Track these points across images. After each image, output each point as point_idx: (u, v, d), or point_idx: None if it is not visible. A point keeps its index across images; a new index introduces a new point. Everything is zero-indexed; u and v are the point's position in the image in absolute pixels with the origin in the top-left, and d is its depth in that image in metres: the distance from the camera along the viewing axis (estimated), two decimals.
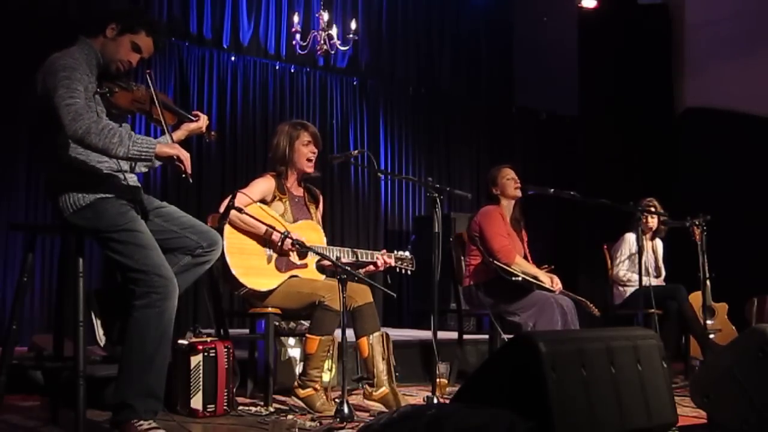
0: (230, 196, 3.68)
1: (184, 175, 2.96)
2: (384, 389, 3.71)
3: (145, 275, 2.88)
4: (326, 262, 3.85)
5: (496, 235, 4.72)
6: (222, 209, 3.76)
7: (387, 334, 3.82)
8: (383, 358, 3.74)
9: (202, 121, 3.19)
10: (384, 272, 4.19)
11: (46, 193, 3.13)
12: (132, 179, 3.11)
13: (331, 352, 3.79)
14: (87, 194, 2.92)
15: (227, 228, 3.76)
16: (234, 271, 3.75)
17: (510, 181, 4.89)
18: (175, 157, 2.92)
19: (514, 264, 4.68)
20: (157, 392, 2.90)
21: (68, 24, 5.76)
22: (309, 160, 4.06)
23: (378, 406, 3.74)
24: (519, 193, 4.90)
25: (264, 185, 4.01)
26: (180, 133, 3.23)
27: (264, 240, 3.85)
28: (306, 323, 4.49)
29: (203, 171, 6.77)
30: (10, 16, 5.87)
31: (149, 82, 3.06)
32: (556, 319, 4.45)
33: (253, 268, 3.82)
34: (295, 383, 3.82)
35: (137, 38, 3.03)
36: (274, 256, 3.89)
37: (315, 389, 3.72)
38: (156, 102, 3.04)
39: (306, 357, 3.78)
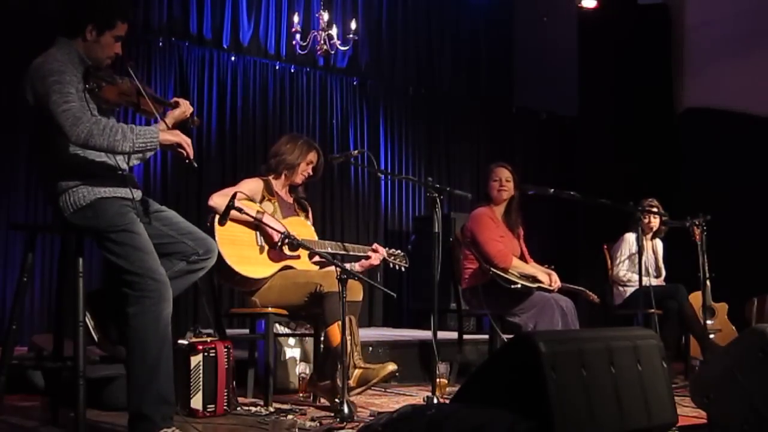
0: (231, 196, 3.69)
1: (187, 161, 2.96)
2: (357, 371, 3.71)
3: (140, 278, 2.87)
4: (318, 259, 3.87)
5: (490, 240, 4.70)
6: (215, 197, 3.81)
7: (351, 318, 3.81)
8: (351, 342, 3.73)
9: (185, 107, 3.17)
10: (382, 269, 4.22)
11: (45, 194, 3.13)
12: (132, 179, 3.11)
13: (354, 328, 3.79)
14: (87, 194, 2.92)
15: (217, 219, 3.78)
16: (227, 260, 3.77)
17: (495, 183, 4.84)
18: (176, 144, 2.94)
19: (511, 267, 4.67)
20: (169, 397, 2.89)
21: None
22: (303, 177, 4.20)
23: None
24: (503, 196, 4.84)
25: (252, 185, 4.08)
26: (168, 121, 3.21)
27: (256, 229, 3.90)
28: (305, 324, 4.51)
29: (203, 171, 6.77)
30: (10, 16, 5.87)
31: (132, 73, 3.05)
32: (556, 319, 4.45)
33: (246, 257, 3.86)
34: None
35: (116, 31, 3.02)
36: (267, 246, 3.92)
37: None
38: (143, 93, 3.03)
39: (333, 351, 3.72)
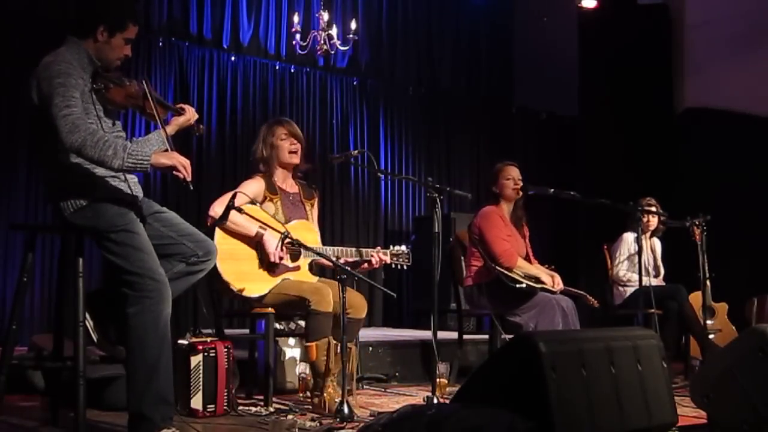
0: (231, 196, 3.68)
1: (185, 183, 2.94)
2: (326, 396, 3.66)
3: (139, 278, 2.87)
4: (324, 262, 3.85)
5: (497, 238, 4.70)
6: (216, 206, 3.77)
7: (351, 349, 3.80)
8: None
9: (190, 114, 3.17)
10: (382, 270, 4.20)
11: (46, 194, 3.13)
12: (132, 181, 3.11)
13: (333, 353, 3.75)
14: (87, 195, 2.92)
15: (218, 233, 3.74)
16: (226, 278, 3.74)
17: (509, 181, 4.86)
18: (171, 167, 2.91)
19: (516, 267, 4.67)
20: (168, 397, 2.89)
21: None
22: (291, 152, 4.05)
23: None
24: (517, 195, 4.87)
25: (254, 186, 3.99)
26: (171, 128, 3.20)
27: (256, 244, 3.85)
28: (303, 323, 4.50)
29: (203, 172, 6.77)
30: (10, 16, 5.87)
31: (144, 83, 3.07)
32: (557, 320, 4.45)
33: (244, 274, 3.81)
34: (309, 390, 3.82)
35: (128, 33, 3.03)
36: (266, 260, 3.86)
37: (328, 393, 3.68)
38: (149, 96, 3.04)
39: (311, 366, 3.75)
